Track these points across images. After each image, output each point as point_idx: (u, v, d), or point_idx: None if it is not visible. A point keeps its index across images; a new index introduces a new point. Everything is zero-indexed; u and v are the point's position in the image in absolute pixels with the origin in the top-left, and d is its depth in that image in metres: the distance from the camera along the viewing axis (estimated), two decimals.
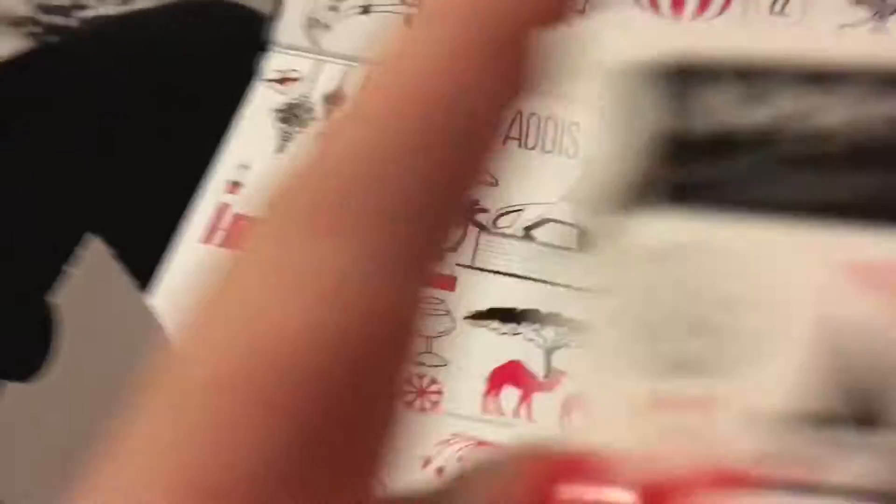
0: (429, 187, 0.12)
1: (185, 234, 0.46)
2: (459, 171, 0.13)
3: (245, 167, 0.50)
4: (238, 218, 0.47)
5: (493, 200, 0.48)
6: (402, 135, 0.12)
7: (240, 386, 0.11)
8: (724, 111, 0.12)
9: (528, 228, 0.48)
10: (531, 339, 0.45)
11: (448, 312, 0.44)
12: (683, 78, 0.12)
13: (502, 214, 0.48)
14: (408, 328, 0.12)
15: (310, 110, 0.53)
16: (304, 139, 0.51)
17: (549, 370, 0.45)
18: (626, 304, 0.11)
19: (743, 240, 0.11)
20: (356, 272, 0.11)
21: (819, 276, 0.11)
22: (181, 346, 0.12)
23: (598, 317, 0.12)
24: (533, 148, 0.52)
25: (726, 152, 0.12)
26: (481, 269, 0.47)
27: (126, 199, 0.49)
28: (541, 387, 0.43)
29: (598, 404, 0.11)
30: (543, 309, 0.46)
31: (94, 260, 0.33)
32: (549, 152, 0.52)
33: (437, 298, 0.13)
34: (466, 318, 0.46)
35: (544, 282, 0.47)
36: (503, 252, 0.48)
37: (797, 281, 0.11)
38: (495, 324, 0.46)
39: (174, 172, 0.50)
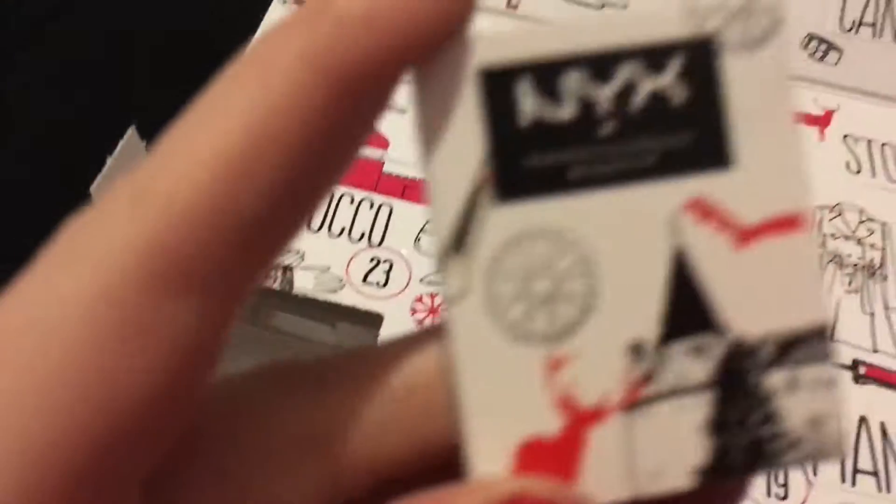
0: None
1: None
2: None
3: None
4: None
5: None
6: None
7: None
8: (544, 105, 0.14)
9: None
10: None
11: None
12: (505, 79, 0.13)
13: None
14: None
15: None
16: None
17: None
18: (501, 289, 0.14)
19: (589, 211, 0.14)
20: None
21: (663, 219, 0.14)
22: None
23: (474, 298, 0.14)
24: None
25: (555, 141, 0.14)
26: None
27: (137, 109, 0.48)
28: None
29: (493, 375, 0.14)
30: None
31: (128, 150, 0.33)
32: None
33: None
34: None
35: None
36: None
37: (649, 227, 0.14)
38: None
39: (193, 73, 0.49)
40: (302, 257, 0.42)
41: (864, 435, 0.39)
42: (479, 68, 0.13)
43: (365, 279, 0.42)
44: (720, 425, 0.14)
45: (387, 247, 0.43)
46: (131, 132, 0.29)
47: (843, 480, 0.37)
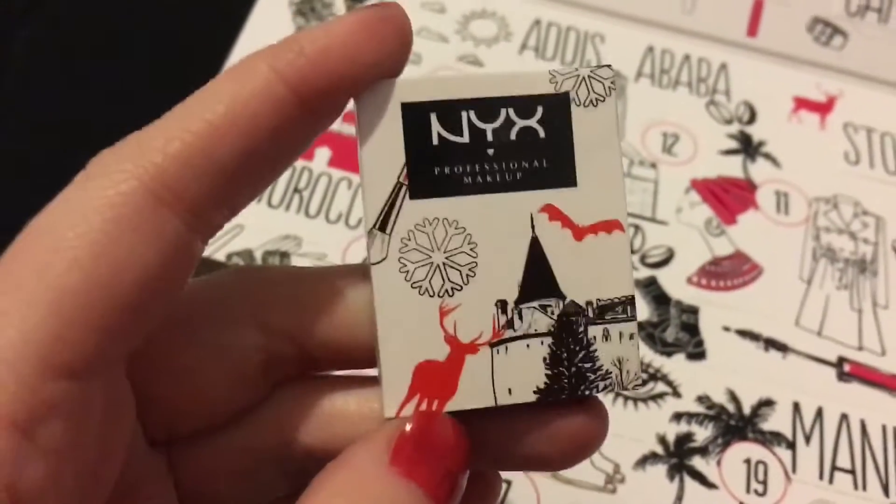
0: None
1: None
2: None
3: None
4: None
5: None
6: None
7: None
8: (448, 132, 0.20)
9: None
10: None
11: None
12: (421, 112, 0.20)
13: None
14: None
15: (329, 5, 0.52)
16: None
17: None
18: (410, 257, 0.19)
19: (476, 208, 0.20)
20: None
21: (526, 217, 0.20)
22: None
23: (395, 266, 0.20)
24: (552, 59, 0.51)
25: (456, 158, 0.20)
26: None
27: (133, 101, 0.48)
28: None
29: (403, 317, 0.20)
30: None
31: None
32: (568, 64, 0.51)
33: None
34: None
35: None
36: None
37: (516, 222, 0.20)
38: None
39: (184, 69, 0.49)
40: (299, 244, 0.43)
41: (843, 432, 0.40)
42: (403, 102, 0.19)
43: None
44: (555, 360, 0.20)
45: None
46: None
47: (821, 478, 0.38)
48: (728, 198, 0.47)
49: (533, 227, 0.20)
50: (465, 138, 0.20)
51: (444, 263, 0.20)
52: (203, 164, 0.17)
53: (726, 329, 0.42)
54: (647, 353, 0.41)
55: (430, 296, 0.20)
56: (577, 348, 0.20)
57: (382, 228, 0.19)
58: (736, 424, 0.39)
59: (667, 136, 0.48)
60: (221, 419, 0.21)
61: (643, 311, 0.42)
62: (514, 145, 0.20)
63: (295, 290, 0.21)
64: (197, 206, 0.17)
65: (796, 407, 0.40)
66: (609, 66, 0.20)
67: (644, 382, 0.22)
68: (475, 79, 0.20)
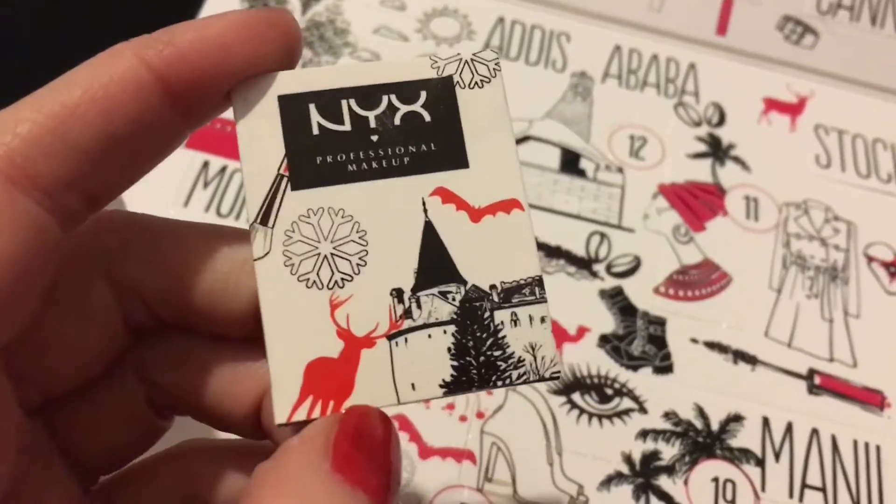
0: None
1: None
2: None
3: None
4: None
5: None
6: None
7: None
8: (328, 121, 0.19)
9: None
10: None
11: None
12: (299, 103, 0.19)
13: None
14: None
15: (284, 1, 0.50)
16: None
17: None
18: (295, 249, 0.19)
19: (362, 196, 0.19)
20: None
21: (417, 202, 0.19)
22: None
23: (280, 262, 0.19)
24: (516, 59, 0.49)
25: (338, 146, 0.19)
26: None
27: None
28: None
29: (290, 313, 0.18)
30: None
31: None
32: (533, 65, 0.49)
33: None
34: None
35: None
36: None
37: (407, 207, 0.19)
38: None
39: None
40: None
41: (814, 448, 0.39)
42: (279, 95, 0.19)
43: None
44: (461, 350, 0.19)
45: None
46: None
47: (791, 496, 0.37)
48: (696, 203, 0.45)
49: (425, 210, 0.19)
50: (347, 126, 0.19)
51: (332, 254, 0.19)
52: (53, 144, 0.17)
53: (694, 341, 0.41)
54: (613, 367, 0.39)
55: (319, 288, 0.18)
56: (484, 335, 0.19)
57: (264, 222, 0.19)
58: (704, 441, 0.38)
59: (634, 140, 0.47)
60: (92, 374, 0.21)
61: (609, 322, 0.41)
62: (400, 130, 0.19)
63: (155, 242, 0.20)
64: (49, 187, 0.17)
65: (766, 422, 0.39)
66: (493, 49, 0.20)
67: (559, 372, 0.18)
68: (354, 68, 0.20)
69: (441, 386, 0.18)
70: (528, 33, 0.50)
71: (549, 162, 0.45)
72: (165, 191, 0.42)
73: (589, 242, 0.43)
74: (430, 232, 0.19)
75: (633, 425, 0.38)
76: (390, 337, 0.18)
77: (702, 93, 0.49)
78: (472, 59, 0.20)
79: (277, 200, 0.19)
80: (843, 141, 0.49)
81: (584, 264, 0.42)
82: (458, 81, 0.20)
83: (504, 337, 0.19)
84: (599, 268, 0.42)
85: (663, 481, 0.37)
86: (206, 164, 0.43)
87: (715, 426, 0.38)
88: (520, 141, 0.46)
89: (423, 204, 0.19)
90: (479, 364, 0.19)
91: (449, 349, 0.19)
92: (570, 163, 0.45)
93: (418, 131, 0.19)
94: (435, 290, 0.19)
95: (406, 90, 0.19)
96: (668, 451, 0.37)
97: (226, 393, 0.21)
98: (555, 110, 0.47)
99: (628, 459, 0.37)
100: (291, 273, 0.18)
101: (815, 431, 0.39)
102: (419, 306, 0.19)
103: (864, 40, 0.53)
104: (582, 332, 0.40)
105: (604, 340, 0.40)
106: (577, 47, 0.50)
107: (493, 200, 0.19)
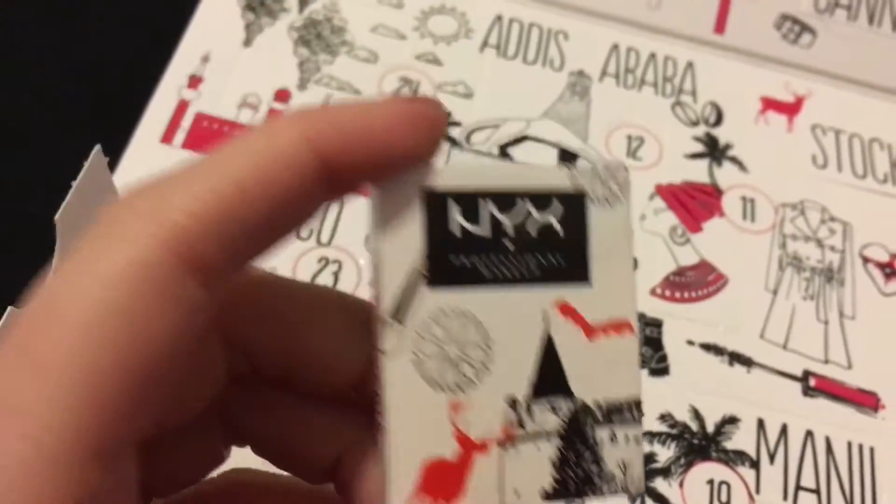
0: None
1: (143, 132, 0.44)
2: None
3: (206, 60, 0.47)
4: (200, 117, 0.45)
5: (466, 114, 0.46)
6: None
7: None
8: (467, 222, 0.19)
9: (504, 146, 0.46)
10: None
11: None
12: (442, 200, 0.19)
13: (476, 130, 0.46)
14: None
15: (281, 0, 0.50)
16: (272, 32, 0.48)
17: None
18: (424, 349, 0.19)
19: (491, 301, 0.19)
20: None
21: (539, 312, 0.19)
22: None
23: (408, 356, 0.19)
24: (514, 58, 0.49)
25: (475, 248, 0.19)
26: None
27: (77, 91, 0.46)
28: None
29: (412, 411, 0.19)
30: None
31: (94, 172, 0.31)
32: (531, 63, 0.49)
33: None
34: None
35: None
36: None
37: (530, 317, 0.19)
38: None
39: (130, 64, 0.47)
40: None
41: (808, 450, 0.39)
42: (424, 190, 0.19)
43: (312, 281, 0.40)
44: (563, 462, 0.19)
45: (336, 246, 0.41)
46: (96, 153, 0.28)
47: (786, 498, 0.37)
48: (693, 204, 0.45)
49: (546, 322, 0.19)
50: (486, 229, 0.19)
51: (457, 357, 0.19)
52: (229, 228, 0.16)
53: (690, 343, 0.41)
54: None
55: (442, 390, 0.19)
56: (585, 450, 0.19)
57: (398, 318, 0.19)
58: (699, 444, 0.38)
59: (631, 139, 0.47)
60: (189, 418, 0.21)
61: None
62: (533, 240, 0.19)
63: (268, 300, 0.20)
64: (218, 270, 0.16)
65: (761, 424, 0.39)
66: (625, 165, 0.20)
67: (644, 491, 0.22)
68: (494, 168, 0.20)
69: (542, 496, 0.19)
70: (525, 31, 0.50)
71: (546, 162, 0.45)
72: None
73: None
74: (548, 343, 0.19)
75: None
76: (502, 444, 0.19)
77: (699, 92, 0.49)
78: (605, 176, 0.20)
79: (411, 296, 0.19)
80: (839, 141, 0.49)
81: None
82: (590, 195, 0.20)
83: (602, 453, 0.19)
84: None
85: (659, 483, 0.37)
86: None
87: (710, 428, 0.39)
88: (517, 141, 0.46)
89: (545, 316, 0.19)
90: (577, 477, 0.19)
91: (553, 461, 0.19)
92: (568, 163, 0.45)
93: (549, 243, 0.19)
94: (546, 402, 0.19)
95: (542, 198, 0.20)
96: (664, 454, 0.38)
97: (306, 445, 0.21)
98: (553, 110, 0.47)
99: None
100: (417, 372, 0.19)
101: (809, 433, 0.39)
102: (531, 416, 0.19)
103: (861, 39, 0.53)
104: None
105: None
106: (575, 45, 0.50)
107: (608, 320, 0.20)
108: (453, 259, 0.19)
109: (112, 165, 0.42)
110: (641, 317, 0.41)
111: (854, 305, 0.43)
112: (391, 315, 0.18)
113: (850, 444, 0.39)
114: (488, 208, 0.19)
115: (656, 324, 0.41)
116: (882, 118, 0.50)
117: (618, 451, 0.19)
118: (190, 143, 0.44)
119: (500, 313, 0.19)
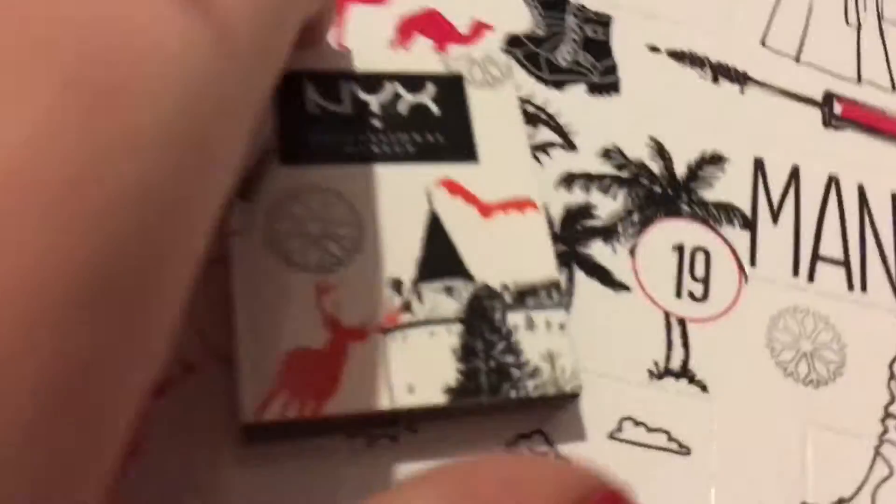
0: None
1: None
2: None
3: None
4: None
5: None
6: None
7: None
8: (327, 102, 0.20)
9: None
10: None
11: None
12: (296, 81, 0.20)
13: None
14: None
15: None
16: None
17: None
18: (280, 227, 0.18)
19: (361, 178, 0.19)
20: None
21: (422, 191, 0.19)
22: None
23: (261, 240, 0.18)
24: None
25: (336, 127, 0.20)
26: None
27: None
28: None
29: (268, 295, 0.18)
30: None
31: None
32: None
33: None
34: None
35: None
36: None
37: (410, 195, 0.19)
38: None
39: None
40: None
41: (832, 204, 0.27)
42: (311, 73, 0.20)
43: None
44: (468, 352, 0.18)
45: None
46: None
47: (796, 273, 0.25)
48: None
49: (430, 200, 0.19)
50: (348, 108, 0.19)
51: (321, 235, 0.18)
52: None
53: (654, 49, 0.28)
54: (527, 82, 0.25)
55: (305, 271, 0.18)
56: (495, 338, 0.18)
57: (245, 196, 0.18)
58: (663, 192, 0.25)
59: None
60: None
61: (523, 17, 0.26)
62: (404, 119, 0.20)
63: None
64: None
65: (759, 166, 0.27)
66: (504, 51, 0.20)
67: (581, 387, 0.18)
68: (361, 53, 0.20)
69: (445, 391, 0.18)
70: None
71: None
72: None
73: None
74: (435, 223, 0.19)
75: (553, 167, 0.24)
76: (386, 331, 0.18)
77: None
78: (482, 61, 0.21)
79: (262, 176, 0.18)
80: None
81: None
82: (468, 80, 0.21)
83: (518, 342, 0.18)
84: None
85: (596, 249, 0.23)
86: None
87: (680, 170, 0.25)
88: None
89: (427, 194, 0.19)
90: (489, 369, 0.18)
91: (454, 351, 0.18)
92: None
93: (423, 123, 0.20)
94: (439, 285, 0.18)
95: (413, 81, 0.20)
96: (607, 206, 0.24)
97: None
98: None
99: (546, 214, 0.23)
100: (273, 251, 0.18)
101: (833, 180, 0.27)
102: (420, 300, 0.18)
103: None
104: (480, 30, 0.26)
105: (514, 43, 0.26)
106: None
107: (504, 198, 0.19)
108: (311, 137, 0.19)
109: None
110: (581, 10, 0.27)
111: None
112: (239, 195, 0.18)
113: (893, 197, 0.26)
114: (350, 88, 0.20)
115: (602, 21, 0.27)
116: None
117: (538, 339, 0.18)
118: None
119: (372, 191, 0.18)
